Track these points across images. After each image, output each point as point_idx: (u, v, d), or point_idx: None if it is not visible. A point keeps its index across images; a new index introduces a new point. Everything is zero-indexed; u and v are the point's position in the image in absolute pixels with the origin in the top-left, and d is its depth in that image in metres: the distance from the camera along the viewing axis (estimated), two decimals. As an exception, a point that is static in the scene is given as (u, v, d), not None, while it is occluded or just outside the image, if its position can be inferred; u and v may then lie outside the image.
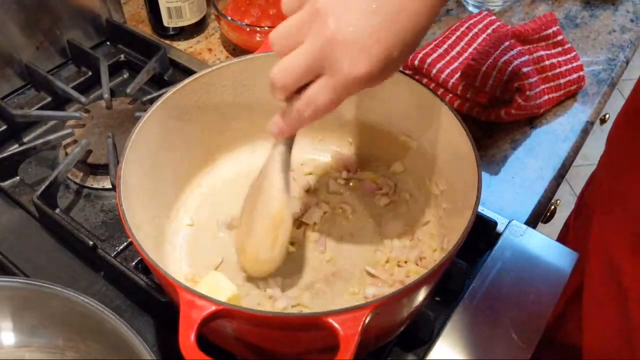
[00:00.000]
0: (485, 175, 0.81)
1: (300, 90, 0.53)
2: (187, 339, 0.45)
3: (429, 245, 0.68)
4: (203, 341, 0.47)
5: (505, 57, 0.82)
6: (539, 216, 0.80)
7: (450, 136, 0.65)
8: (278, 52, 0.53)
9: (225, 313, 0.48)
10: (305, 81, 0.52)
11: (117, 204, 0.56)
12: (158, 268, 0.50)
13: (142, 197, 0.63)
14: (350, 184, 0.75)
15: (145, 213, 0.63)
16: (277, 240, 0.61)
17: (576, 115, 0.89)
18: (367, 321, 0.47)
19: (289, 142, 0.60)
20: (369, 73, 0.49)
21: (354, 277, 0.66)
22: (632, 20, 1.05)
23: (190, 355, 0.44)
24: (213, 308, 0.47)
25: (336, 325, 0.46)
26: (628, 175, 0.69)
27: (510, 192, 0.79)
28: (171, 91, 0.66)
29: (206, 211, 0.73)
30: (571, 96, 0.91)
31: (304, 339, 0.52)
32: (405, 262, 0.67)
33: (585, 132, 0.88)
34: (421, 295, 0.55)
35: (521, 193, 0.80)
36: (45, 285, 0.56)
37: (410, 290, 0.50)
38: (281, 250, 0.62)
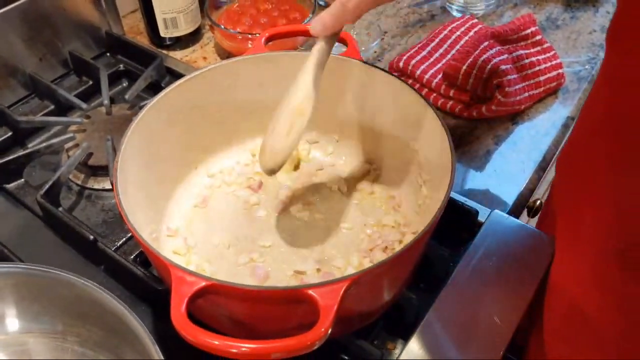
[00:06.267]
0: (469, 170, 0.85)
1: None
2: (178, 310, 0.48)
3: (412, 231, 0.71)
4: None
5: (485, 56, 0.86)
6: (522, 207, 0.83)
7: (430, 130, 0.68)
8: None
9: (213, 289, 0.51)
10: None
11: (114, 193, 0.60)
12: (151, 249, 0.54)
13: (138, 190, 0.66)
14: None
15: (141, 205, 0.66)
16: (293, 128, 0.61)
17: (557, 111, 0.93)
18: (346, 293, 0.50)
19: (330, 41, 0.63)
20: None
21: (341, 264, 0.69)
22: (611, 21, 1.08)
23: (180, 325, 0.48)
24: (203, 284, 0.50)
25: (316, 296, 0.49)
26: (582, 207, 0.69)
27: (493, 185, 0.83)
28: (165, 91, 0.70)
29: (199, 209, 0.76)
30: (552, 93, 0.95)
31: (289, 313, 0.55)
32: (386, 247, 0.70)
33: (566, 127, 0.91)
34: (400, 271, 0.59)
35: (504, 185, 0.83)
36: (47, 270, 0.59)
37: (389, 264, 0.53)
38: (294, 140, 0.61)
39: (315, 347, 0.48)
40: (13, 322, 0.62)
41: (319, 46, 0.63)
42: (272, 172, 0.63)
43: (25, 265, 0.60)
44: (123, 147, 0.64)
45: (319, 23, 0.61)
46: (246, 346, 0.47)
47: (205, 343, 0.47)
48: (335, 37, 0.64)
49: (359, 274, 0.51)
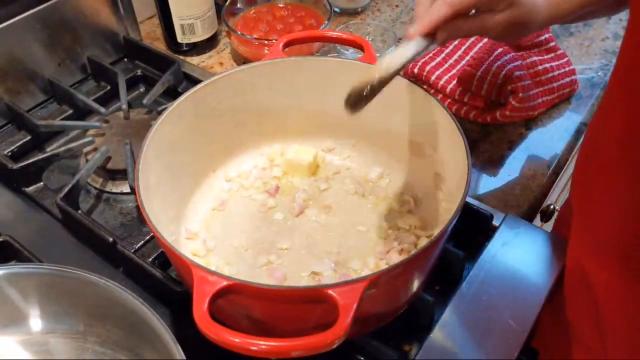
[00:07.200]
0: (483, 174, 0.85)
1: None
2: (200, 309, 0.49)
3: (427, 235, 0.72)
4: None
5: (499, 63, 0.87)
6: (535, 212, 0.84)
7: (447, 136, 0.69)
8: None
9: (235, 288, 0.52)
10: None
11: (133, 196, 0.61)
12: (173, 249, 0.55)
13: (158, 193, 0.67)
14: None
15: (161, 207, 0.67)
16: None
17: (570, 117, 0.94)
18: (364, 292, 0.51)
19: (423, 41, 0.65)
20: None
21: (358, 265, 0.70)
22: (624, 28, 1.09)
23: (202, 323, 0.49)
24: (224, 283, 0.51)
25: (335, 295, 0.50)
26: (592, 210, 0.70)
27: (507, 190, 0.83)
28: (184, 96, 0.71)
29: (217, 212, 0.77)
30: (565, 99, 0.95)
31: (307, 313, 0.56)
32: (402, 250, 0.71)
33: (579, 132, 0.92)
34: (416, 273, 0.59)
35: (517, 190, 0.83)
36: (71, 270, 0.60)
37: (405, 265, 0.54)
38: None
39: (335, 346, 0.49)
40: (36, 322, 0.63)
41: (415, 40, 0.64)
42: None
43: (49, 266, 0.61)
44: (144, 151, 0.65)
45: (413, 25, 0.64)
46: (266, 344, 0.48)
47: (227, 340, 0.48)
48: (428, 37, 0.65)
49: (377, 274, 0.52)
